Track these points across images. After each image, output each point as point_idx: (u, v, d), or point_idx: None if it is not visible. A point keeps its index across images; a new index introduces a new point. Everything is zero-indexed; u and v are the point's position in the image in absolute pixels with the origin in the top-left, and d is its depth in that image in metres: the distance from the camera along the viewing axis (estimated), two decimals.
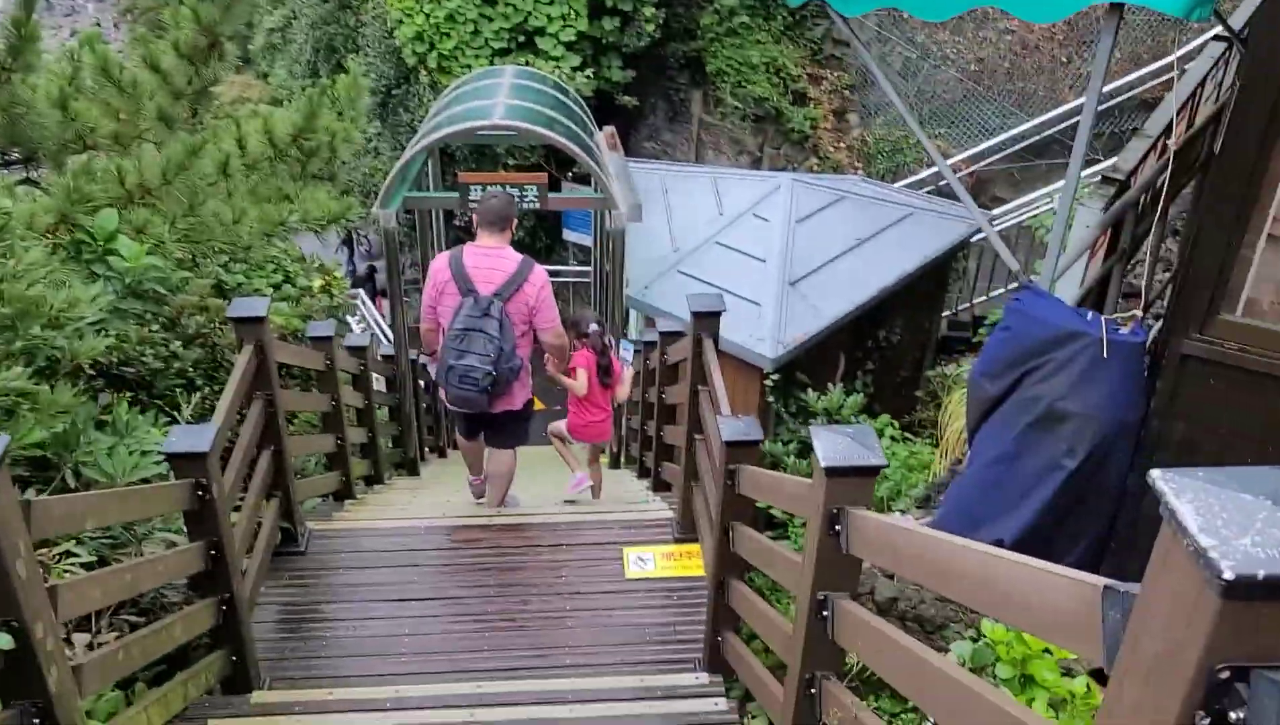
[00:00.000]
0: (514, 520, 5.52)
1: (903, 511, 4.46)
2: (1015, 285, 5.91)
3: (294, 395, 5.59)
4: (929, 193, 11.65)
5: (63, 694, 2.42)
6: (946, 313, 10.90)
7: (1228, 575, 0.91)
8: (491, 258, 5.12)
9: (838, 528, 2.37)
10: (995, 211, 10.99)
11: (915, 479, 5.88)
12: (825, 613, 2.47)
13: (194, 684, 3.53)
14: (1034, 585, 1.44)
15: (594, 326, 6.58)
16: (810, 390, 8.02)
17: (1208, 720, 1.01)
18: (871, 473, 2.34)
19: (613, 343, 7.34)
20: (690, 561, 4.99)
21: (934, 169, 12.57)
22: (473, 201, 8.09)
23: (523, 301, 5.10)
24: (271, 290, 9.54)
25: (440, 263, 5.23)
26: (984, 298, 10.79)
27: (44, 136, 5.29)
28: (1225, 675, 0.99)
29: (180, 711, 3.54)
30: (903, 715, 2.87)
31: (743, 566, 3.84)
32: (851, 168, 13.63)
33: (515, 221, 5.30)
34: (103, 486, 3.72)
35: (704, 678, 4.05)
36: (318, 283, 10.84)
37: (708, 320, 4.78)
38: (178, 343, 6.26)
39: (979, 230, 8.92)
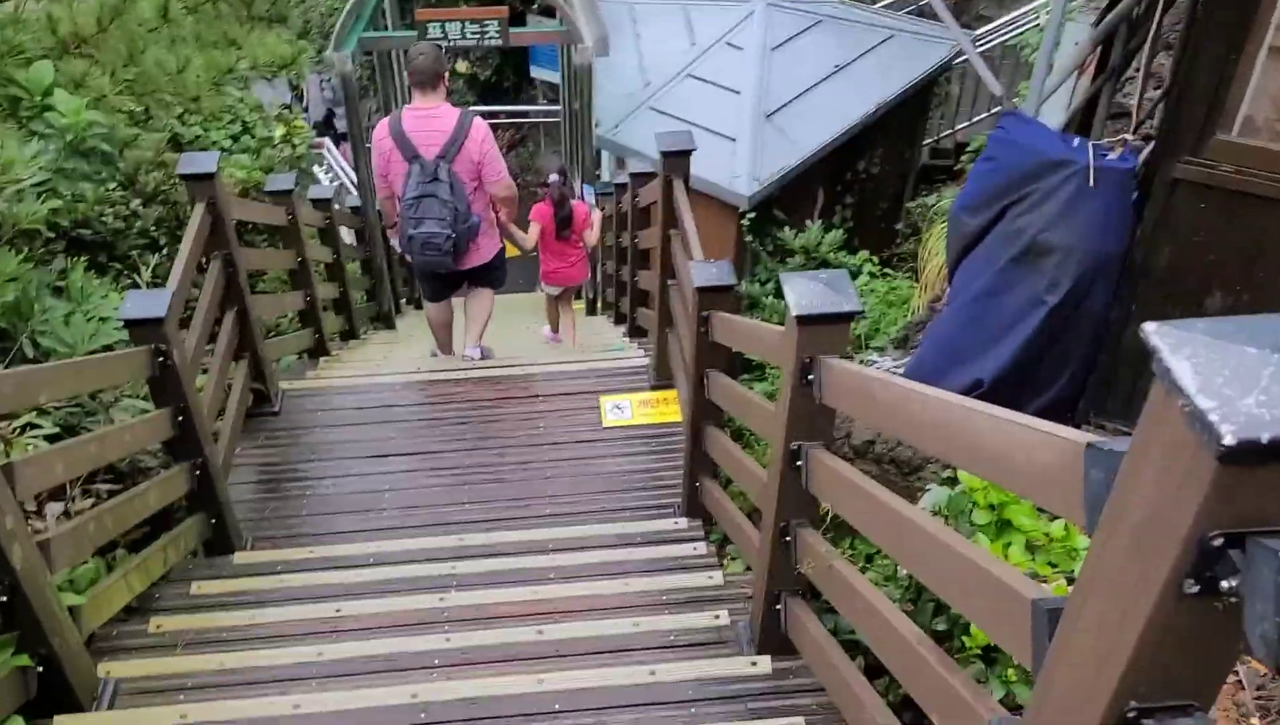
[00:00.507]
0: (489, 373, 5.46)
1: (880, 351, 4.41)
2: (999, 109, 5.70)
3: (255, 253, 5.43)
4: (909, 13, 11.17)
5: (29, 569, 2.37)
6: (928, 141, 10.61)
7: (1229, 441, 0.82)
8: (429, 118, 4.95)
9: (810, 377, 2.29)
10: (979, 31, 10.55)
11: (894, 316, 5.82)
12: (799, 462, 2.43)
13: (174, 548, 3.53)
14: (1012, 441, 1.36)
15: (554, 177, 6.49)
16: (788, 227, 7.88)
17: (1197, 588, 0.95)
18: (845, 320, 2.25)
19: (574, 191, 7.18)
20: (667, 408, 4.97)
21: None
22: (431, 39, 7.70)
23: (467, 159, 4.98)
24: (230, 141, 9.20)
25: (381, 131, 5.08)
26: (967, 124, 10.46)
27: None
28: (1219, 542, 0.92)
29: (164, 575, 3.56)
30: (880, 559, 2.89)
31: (718, 414, 3.80)
32: None
33: (447, 75, 5.11)
34: (62, 356, 3.61)
35: (683, 523, 4.08)
36: (279, 132, 10.44)
37: (677, 160, 4.59)
38: (137, 201, 6.04)
39: (961, 52, 8.60)
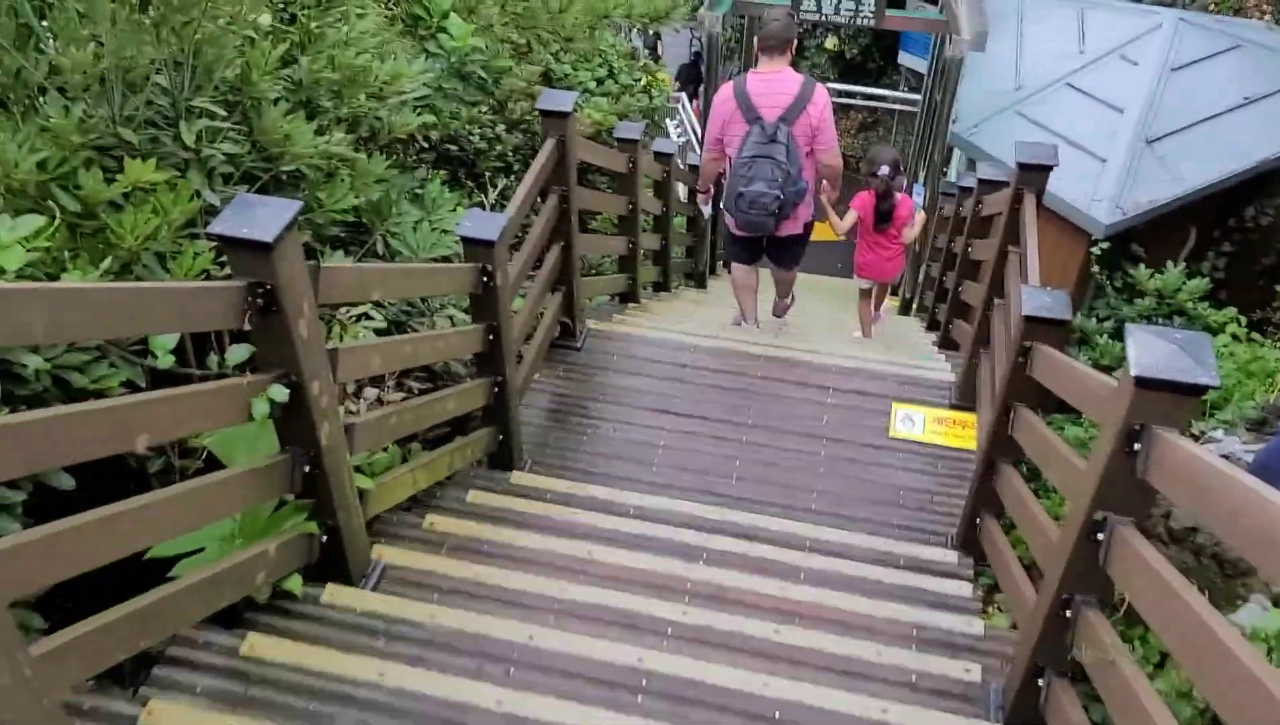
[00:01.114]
0: (786, 353, 5.37)
1: (1228, 426, 3.87)
2: None
3: (591, 194, 5.63)
4: None
5: (333, 447, 2.60)
6: None
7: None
8: (773, 82, 5.06)
9: (1136, 447, 2.02)
10: None
11: (1252, 388, 5.10)
12: (1100, 535, 2.16)
13: (460, 455, 3.76)
14: None
15: (884, 169, 6.39)
16: (1144, 265, 7.13)
17: None
18: (1195, 392, 1.95)
19: (902, 186, 6.94)
20: (963, 432, 4.67)
21: None
22: (805, 10, 7.62)
23: (806, 124, 5.06)
24: (595, 84, 9.64)
25: (725, 93, 5.22)
26: None
27: None
28: None
29: (448, 476, 3.81)
30: (1177, 667, 2.53)
31: (1017, 452, 3.50)
32: (1258, 11, 11.54)
33: (795, 42, 5.22)
34: (405, 258, 3.93)
35: (953, 556, 3.82)
36: (642, 81, 10.82)
37: (1034, 174, 4.23)
38: (502, 126, 6.48)
39: None
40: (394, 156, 4.54)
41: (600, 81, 9.54)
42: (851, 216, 6.54)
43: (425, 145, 5.76)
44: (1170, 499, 1.90)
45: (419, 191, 4.54)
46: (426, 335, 3.28)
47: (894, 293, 8.77)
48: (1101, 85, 8.13)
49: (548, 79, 8.45)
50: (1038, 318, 3.26)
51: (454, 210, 4.39)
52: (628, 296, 6.31)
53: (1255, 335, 6.55)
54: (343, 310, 3.37)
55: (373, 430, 2.90)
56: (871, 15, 7.45)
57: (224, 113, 2.85)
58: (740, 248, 5.81)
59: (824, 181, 5.53)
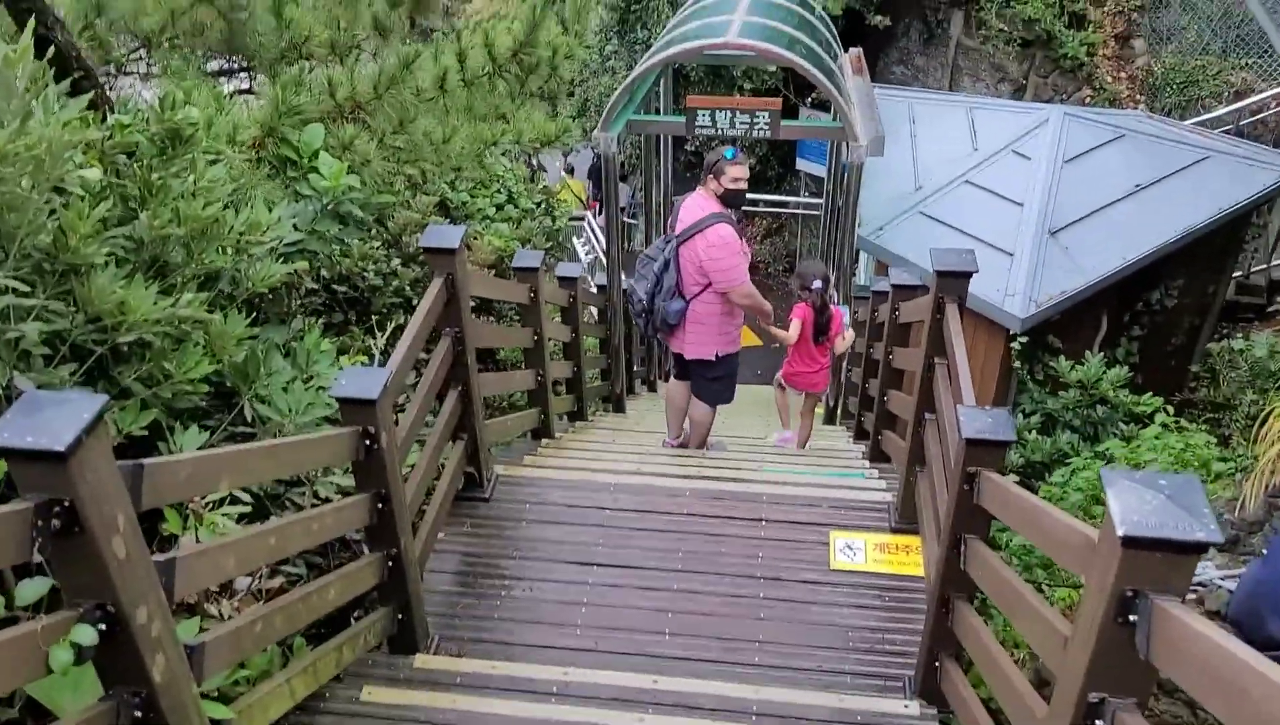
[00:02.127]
0: (712, 485, 5.01)
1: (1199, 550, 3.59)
2: None
3: (490, 329, 5.30)
4: (1226, 132, 10.00)
5: (171, 681, 2.12)
6: (1237, 274, 9.38)
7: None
8: (691, 206, 5.45)
9: (1132, 618, 1.69)
10: None
11: (1211, 491, 4.87)
12: (1099, 723, 1.80)
13: (351, 647, 3.28)
14: None
15: (817, 283, 6.44)
16: (1063, 357, 7.02)
17: None
18: (1194, 550, 1.64)
19: (834, 297, 6.93)
20: (908, 557, 4.33)
21: (1235, 106, 10.79)
22: (699, 126, 7.51)
23: (693, 250, 5.38)
24: (495, 210, 9.40)
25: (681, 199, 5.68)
26: None
27: (261, 45, 5.13)
28: None
29: (338, 675, 3.31)
30: None
31: (972, 587, 3.17)
32: (1131, 101, 11.97)
33: (720, 173, 5.43)
34: (273, 426, 3.49)
35: (914, 707, 3.43)
36: (543, 203, 10.65)
37: (955, 281, 4.01)
38: (398, 261, 6.12)
39: None
40: (261, 311, 4.15)
41: (500, 207, 9.33)
42: (796, 325, 6.49)
43: (312, 288, 5.37)
44: (1179, 684, 1.56)
45: (295, 345, 4.14)
46: (294, 519, 2.82)
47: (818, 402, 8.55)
48: (998, 180, 8.17)
49: (444, 208, 8.19)
50: (980, 441, 2.96)
51: (334, 364, 3.99)
52: (540, 432, 5.91)
53: (1180, 420, 6.44)
54: (197, 498, 2.91)
55: (227, 647, 2.42)
56: (767, 126, 7.37)
57: (25, 287, 2.43)
58: (673, 357, 6.10)
59: (758, 316, 5.83)
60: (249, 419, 3.53)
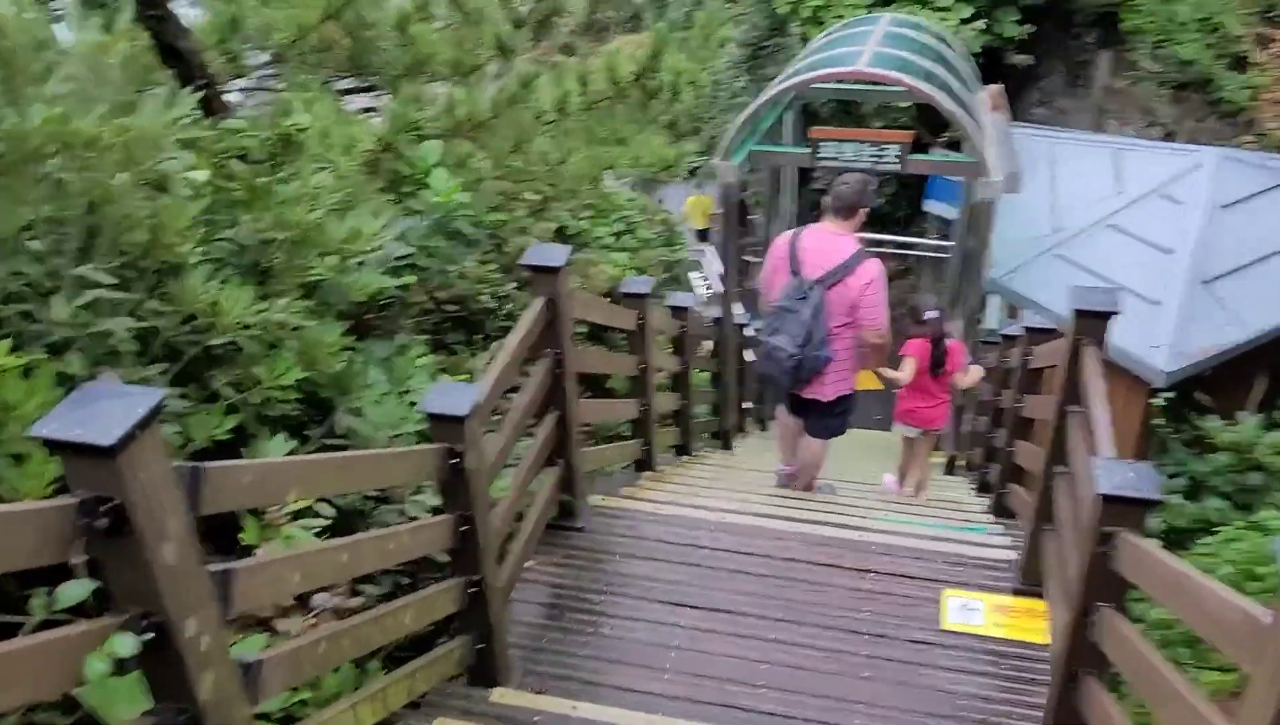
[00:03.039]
0: (818, 530, 4.73)
1: None
2: None
3: (591, 355, 5.15)
4: None
5: (220, 701, 2.01)
6: None
7: None
8: (825, 241, 5.05)
9: None
10: None
11: None
12: None
13: (425, 676, 3.13)
14: None
15: (931, 313, 6.14)
16: (1213, 416, 6.47)
17: None
18: None
19: (952, 332, 6.57)
20: (1031, 623, 3.95)
21: None
22: (823, 158, 7.30)
23: (845, 291, 4.97)
24: (612, 239, 9.33)
25: (780, 240, 5.25)
26: None
27: (386, 62, 5.17)
28: None
29: (410, 703, 3.17)
30: None
31: (1104, 661, 2.83)
32: None
33: (864, 211, 5.18)
34: (363, 438, 3.41)
35: None
36: (663, 235, 10.55)
37: (1094, 322, 3.67)
38: (513, 284, 6.07)
39: None
40: (369, 325, 4.11)
41: (618, 236, 9.26)
42: (910, 364, 6.21)
43: (427, 308, 5.35)
44: None
45: (396, 359, 4.07)
46: (369, 536, 2.71)
47: (936, 447, 8.14)
48: (1145, 225, 7.66)
49: (563, 235, 8.16)
50: (1120, 498, 2.64)
51: (432, 379, 3.90)
52: (642, 464, 5.73)
53: None
54: (274, 508, 2.82)
55: (286, 667, 2.29)
56: (896, 160, 7.09)
57: (111, 280, 2.38)
58: (785, 394, 5.67)
59: (870, 355, 5.41)
60: (340, 431, 3.46)
